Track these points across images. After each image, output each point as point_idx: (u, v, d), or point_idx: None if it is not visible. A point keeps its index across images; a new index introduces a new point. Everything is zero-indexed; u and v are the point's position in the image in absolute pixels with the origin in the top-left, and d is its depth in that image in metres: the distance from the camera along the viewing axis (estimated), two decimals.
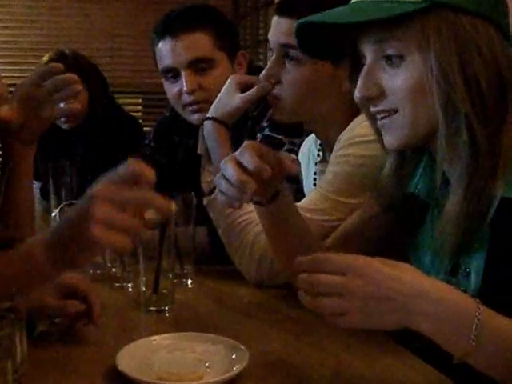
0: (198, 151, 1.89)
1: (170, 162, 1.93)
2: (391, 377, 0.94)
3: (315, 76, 1.32)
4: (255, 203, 1.16)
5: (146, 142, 2.08)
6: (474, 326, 0.81)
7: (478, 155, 0.92)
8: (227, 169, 1.02)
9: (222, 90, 1.46)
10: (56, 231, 0.84)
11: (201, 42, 1.73)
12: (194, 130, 1.89)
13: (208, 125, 1.45)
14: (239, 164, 1.02)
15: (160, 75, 1.82)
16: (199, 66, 1.73)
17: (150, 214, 0.82)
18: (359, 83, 0.99)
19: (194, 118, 1.75)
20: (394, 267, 0.86)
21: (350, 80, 1.06)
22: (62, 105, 1.36)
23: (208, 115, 1.47)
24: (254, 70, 1.79)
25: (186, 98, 1.74)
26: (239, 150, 1.04)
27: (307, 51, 1.11)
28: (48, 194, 2.03)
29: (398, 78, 0.95)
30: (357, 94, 0.99)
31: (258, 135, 1.68)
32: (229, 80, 1.47)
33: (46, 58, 2.40)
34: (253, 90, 1.40)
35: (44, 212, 2.15)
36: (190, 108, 1.75)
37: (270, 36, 1.36)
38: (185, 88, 1.72)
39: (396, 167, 1.09)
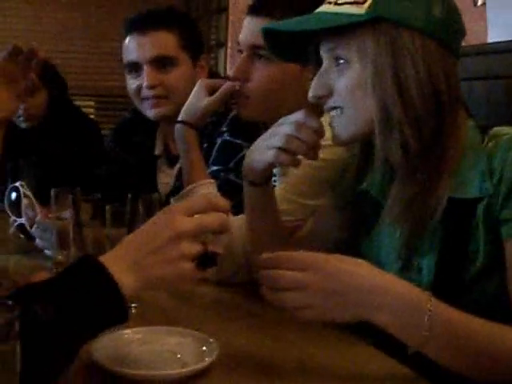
0: (156, 152, 1.93)
1: (129, 163, 1.96)
2: (352, 366, 1.00)
3: (283, 75, 1.39)
4: (251, 184, 1.22)
5: (105, 143, 2.10)
6: (426, 318, 0.88)
7: (412, 158, 1.01)
8: (302, 129, 1.10)
9: (191, 94, 1.51)
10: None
11: (166, 40, 1.77)
12: (153, 131, 1.93)
13: (179, 128, 1.51)
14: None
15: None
16: (162, 63, 1.77)
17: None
18: (312, 84, 1.09)
19: (151, 112, 1.80)
20: (351, 263, 0.93)
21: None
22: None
23: (178, 119, 1.52)
24: (212, 75, 1.84)
25: (146, 93, 1.78)
26: (300, 114, 1.11)
27: (277, 54, 1.19)
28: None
29: (343, 80, 1.04)
30: (310, 93, 1.09)
31: (218, 139, 1.73)
32: (197, 84, 1.52)
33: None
34: (219, 91, 1.45)
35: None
36: (148, 102, 1.79)
37: (241, 37, 1.41)
38: (145, 83, 1.76)
39: (357, 163, 1.17)
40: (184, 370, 0.92)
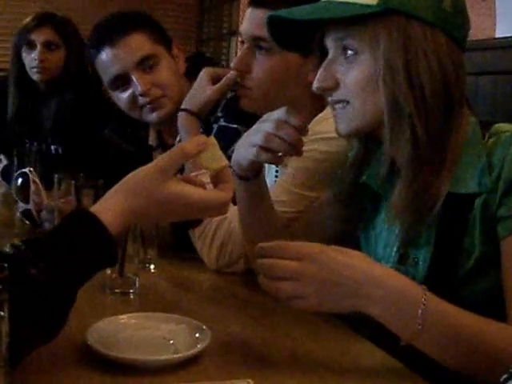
0: (151, 142, 1.93)
1: (129, 151, 1.96)
2: (343, 358, 1.01)
3: (284, 67, 1.39)
4: (240, 178, 1.22)
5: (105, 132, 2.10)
6: (419, 311, 0.89)
7: (420, 152, 1.01)
8: (282, 127, 1.10)
9: (195, 83, 1.53)
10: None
11: (140, 41, 1.74)
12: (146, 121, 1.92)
13: (182, 116, 1.51)
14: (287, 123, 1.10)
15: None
16: (146, 64, 1.73)
17: None
18: (318, 75, 1.07)
19: (153, 116, 1.75)
20: (347, 254, 0.93)
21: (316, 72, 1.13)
22: None
23: (182, 107, 1.53)
24: (204, 60, 1.84)
25: (143, 100, 1.73)
26: (281, 112, 1.11)
27: (279, 43, 1.18)
28: (10, 177, 2.05)
29: (351, 73, 1.03)
30: (314, 85, 1.08)
31: (214, 125, 1.72)
32: (201, 73, 1.53)
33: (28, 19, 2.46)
34: (222, 80, 1.46)
35: (6, 195, 2.16)
36: (148, 107, 1.74)
37: (243, 28, 1.41)
38: (139, 89, 1.71)
39: (357, 156, 1.17)
40: (175, 356, 0.93)
